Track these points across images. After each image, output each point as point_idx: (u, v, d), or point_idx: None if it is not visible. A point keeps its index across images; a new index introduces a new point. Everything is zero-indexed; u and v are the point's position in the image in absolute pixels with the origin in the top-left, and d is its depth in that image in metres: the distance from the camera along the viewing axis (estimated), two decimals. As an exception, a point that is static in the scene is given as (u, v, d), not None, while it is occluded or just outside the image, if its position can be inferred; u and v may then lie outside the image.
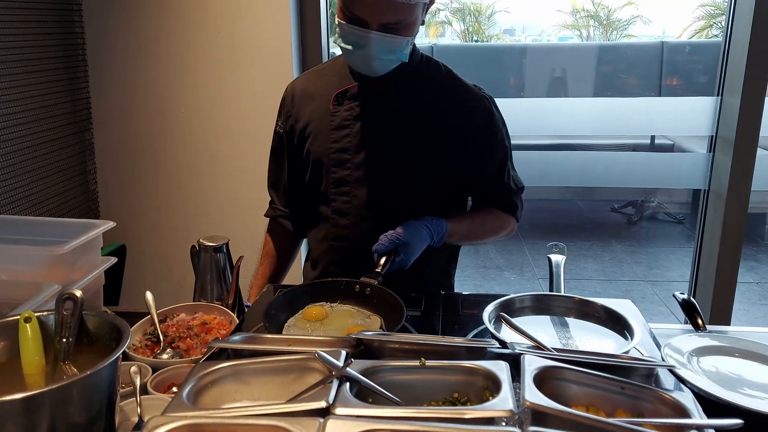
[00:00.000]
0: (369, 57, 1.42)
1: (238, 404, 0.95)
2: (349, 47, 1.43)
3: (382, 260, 1.42)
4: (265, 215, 1.79)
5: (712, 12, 8.02)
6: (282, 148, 1.69)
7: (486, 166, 1.60)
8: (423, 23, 1.48)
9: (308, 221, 1.70)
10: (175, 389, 1.15)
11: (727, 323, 2.58)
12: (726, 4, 2.48)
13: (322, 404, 0.84)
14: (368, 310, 1.33)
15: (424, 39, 8.94)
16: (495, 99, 1.62)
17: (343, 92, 1.56)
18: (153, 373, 1.17)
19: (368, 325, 1.28)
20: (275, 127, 1.71)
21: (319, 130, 1.58)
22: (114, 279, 2.11)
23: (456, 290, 1.77)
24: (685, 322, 1.42)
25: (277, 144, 1.71)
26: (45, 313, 1.01)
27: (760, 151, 2.44)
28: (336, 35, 1.47)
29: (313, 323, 1.28)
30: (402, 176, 1.56)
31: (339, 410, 0.83)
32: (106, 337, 1.00)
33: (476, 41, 8.72)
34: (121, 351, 0.90)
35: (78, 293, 1.00)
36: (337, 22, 1.44)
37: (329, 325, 1.28)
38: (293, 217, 1.74)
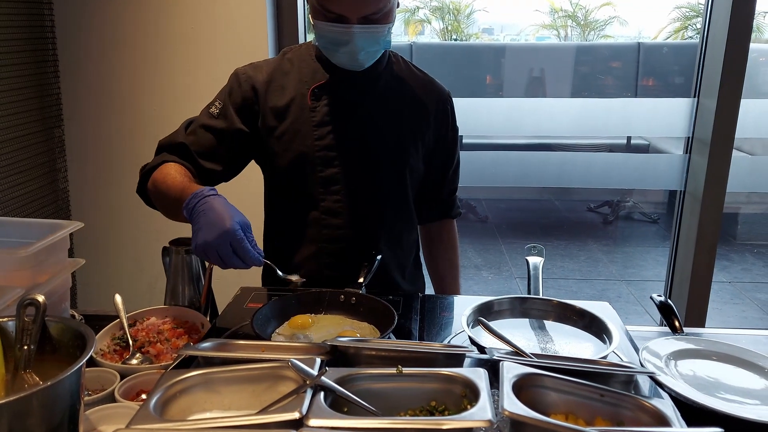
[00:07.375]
0: (354, 52, 1.39)
1: (207, 414, 0.92)
2: (332, 45, 1.41)
3: (362, 272, 1.42)
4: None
5: (687, 14, 8.12)
6: (228, 132, 1.48)
7: (454, 157, 1.67)
8: (398, 5, 1.46)
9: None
10: (144, 396, 1.11)
11: (702, 324, 2.60)
12: (701, 6, 2.50)
13: (295, 415, 0.81)
14: (355, 319, 1.30)
15: (403, 37, 8.93)
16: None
17: (320, 86, 1.50)
18: (121, 379, 1.13)
19: (358, 330, 1.24)
20: (211, 108, 1.50)
21: (299, 126, 1.49)
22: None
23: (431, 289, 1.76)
24: (661, 322, 1.42)
25: (220, 126, 1.48)
26: (5, 319, 0.97)
27: (735, 153, 2.47)
28: (314, 36, 1.44)
29: (301, 330, 1.24)
30: (393, 170, 1.54)
31: (312, 422, 0.81)
32: (70, 344, 0.95)
33: (455, 40, 8.72)
34: (84, 360, 0.86)
35: (41, 298, 0.95)
36: (313, 23, 1.41)
37: (318, 332, 1.23)
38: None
